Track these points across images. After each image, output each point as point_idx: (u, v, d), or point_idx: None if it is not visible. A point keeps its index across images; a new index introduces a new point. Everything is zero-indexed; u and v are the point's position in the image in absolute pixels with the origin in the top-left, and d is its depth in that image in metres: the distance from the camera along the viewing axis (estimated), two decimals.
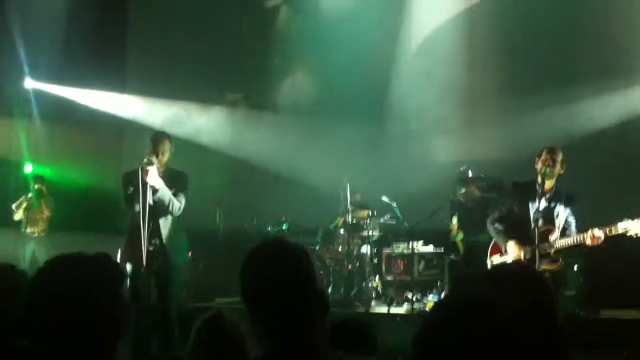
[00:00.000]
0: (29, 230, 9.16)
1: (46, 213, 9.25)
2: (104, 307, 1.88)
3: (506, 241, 5.85)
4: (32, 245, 9.14)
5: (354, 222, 8.48)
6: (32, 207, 9.18)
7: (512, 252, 5.79)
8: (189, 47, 11.05)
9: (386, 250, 8.55)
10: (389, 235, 8.62)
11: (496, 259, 6.03)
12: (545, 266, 5.59)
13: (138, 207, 5.41)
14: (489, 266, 5.94)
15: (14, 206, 9.13)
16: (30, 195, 9.15)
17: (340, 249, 8.44)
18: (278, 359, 1.85)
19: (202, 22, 11.09)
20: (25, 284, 2.57)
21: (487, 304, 1.46)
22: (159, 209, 5.57)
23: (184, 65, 10.90)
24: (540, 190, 5.72)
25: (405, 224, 8.29)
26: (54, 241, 9.09)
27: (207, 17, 11.11)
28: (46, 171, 10.00)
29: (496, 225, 5.98)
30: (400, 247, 8.41)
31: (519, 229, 5.83)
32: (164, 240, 5.61)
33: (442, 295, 7.91)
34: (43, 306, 1.86)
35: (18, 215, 9.14)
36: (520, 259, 5.67)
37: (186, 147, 6.27)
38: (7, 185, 10.22)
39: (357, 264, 8.37)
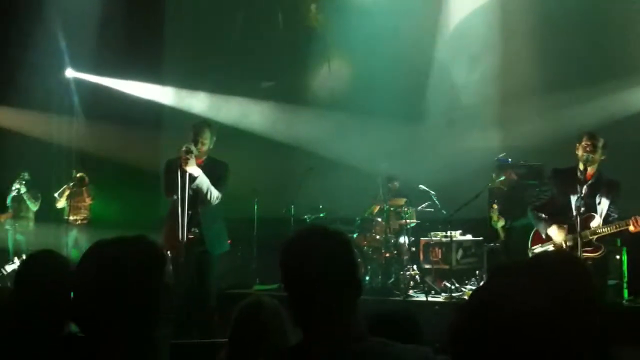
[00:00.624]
0: (71, 218, 9.31)
1: (88, 201, 9.40)
2: (146, 289, 1.90)
3: (547, 228, 5.80)
4: (74, 233, 9.30)
5: (391, 210, 8.45)
6: (74, 195, 9.32)
7: (555, 238, 5.73)
8: (225, 37, 11.11)
9: (424, 239, 8.49)
10: (427, 224, 8.54)
11: (538, 249, 5.97)
12: (587, 254, 5.52)
13: (177, 195, 5.46)
14: (529, 255, 5.89)
15: (56, 194, 9.29)
16: (72, 183, 9.29)
17: (377, 237, 8.42)
18: (317, 345, 1.86)
19: (239, 12, 11.14)
20: (66, 268, 2.62)
21: (514, 295, 1.44)
22: (198, 197, 5.63)
23: (219, 56, 10.96)
24: (581, 177, 5.64)
25: (443, 211, 8.23)
26: (96, 228, 9.24)
27: (243, 7, 11.16)
28: (87, 160, 10.17)
29: (537, 212, 5.92)
30: (438, 235, 8.34)
31: (560, 216, 5.77)
32: (203, 228, 5.66)
33: (481, 284, 7.84)
34: (89, 290, 1.89)
35: (61, 204, 9.31)
36: (561, 247, 5.61)
37: (222, 135, 6.30)
38: (50, 174, 10.43)
39: (395, 252, 8.34)
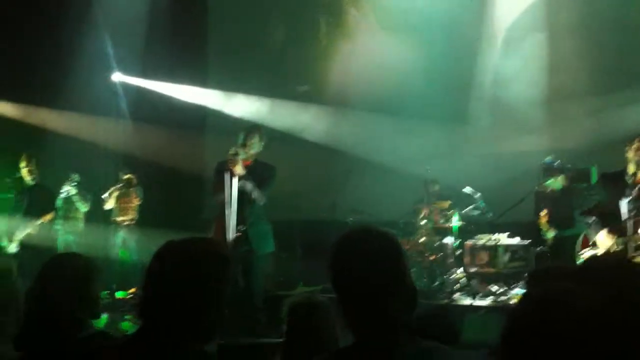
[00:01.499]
0: (119, 218, 9.45)
1: (135, 202, 9.51)
2: (214, 290, 1.94)
3: (596, 233, 5.70)
4: (122, 234, 9.43)
5: (436, 212, 8.39)
6: (122, 196, 9.47)
7: (603, 244, 5.63)
8: (267, 41, 11.19)
9: (469, 242, 8.41)
10: (472, 227, 8.45)
11: (586, 253, 5.88)
12: (638, 258, 5.41)
13: (223, 196, 5.59)
14: (578, 260, 5.80)
15: (104, 196, 9.43)
16: (120, 185, 9.44)
17: (421, 240, 8.36)
18: (371, 347, 1.85)
19: (280, 16, 11.22)
20: (89, 269, 2.69)
21: (566, 300, 1.43)
22: (244, 198, 5.72)
23: (262, 59, 11.04)
24: (631, 180, 5.54)
25: (489, 214, 8.14)
26: (143, 230, 9.38)
27: (285, 11, 11.23)
28: (134, 162, 10.32)
29: (586, 217, 5.83)
30: (484, 239, 8.24)
31: (609, 220, 5.67)
32: (248, 228, 5.74)
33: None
34: (158, 289, 1.93)
35: (109, 205, 9.45)
36: (610, 251, 5.51)
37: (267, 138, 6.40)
38: (98, 176, 10.61)
39: (439, 255, 8.27)
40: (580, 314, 1.39)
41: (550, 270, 2.86)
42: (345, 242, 1.97)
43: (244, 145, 5.78)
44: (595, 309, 1.41)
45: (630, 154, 5.61)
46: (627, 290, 2.09)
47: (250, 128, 6.10)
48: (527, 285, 2.72)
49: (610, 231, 5.65)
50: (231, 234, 5.52)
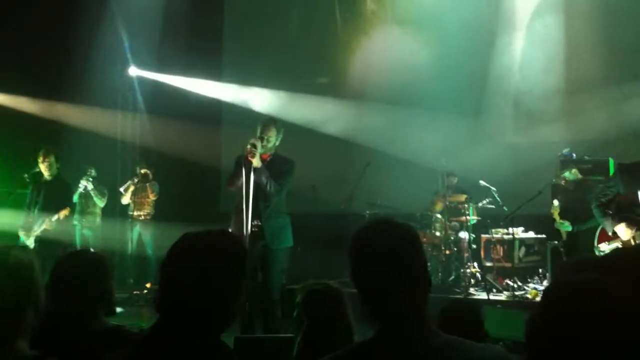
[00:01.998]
0: (135, 213, 9.50)
1: (152, 197, 9.54)
2: (230, 282, 1.95)
3: (614, 225, 5.65)
4: (138, 228, 9.48)
5: (452, 206, 8.36)
6: (138, 191, 9.51)
7: (622, 235, 5.58)
8: (282, 34, 11.18)
9: (485, 236, 8.37)
10: (488, 220, 8.41)
11: (604, 246, 5.83)
12: None
13: (241, 186, 5.58)
14: (596, 253, 5.74)
15: (121, 189, 9.47)
16: (136, 179, 9.48)
17: (437, 234, 8.34)
18: (391, 340, 1.83)
19: (295, 9, 11.20)
20: (102, 265, 2.72)
21: (599, 291, 1.42)
22: (261, 191, 5.70)
23: (277, 52, 11.03)
24: None
25: (505, 208, 8.09)
26: (158, 224, 9.42)
27: (299, 3, 11.21)
28: (150, 156, 10.36)
29: (603, 209, 5.78)
30: (500, 233, 8.20)
31: (627, 212, 5.62)
32: (264, 222, 5.72)
33: (545, 282, 7.69)
34: (175, 282, 1.94)
35: (125, 199, 9.49)
36: (630, 243, 5.46)
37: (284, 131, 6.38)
38: (115, 171, 10.67)
39: (455, 249, 8.25)
40: (611, 306, 1.38)
41: (579, 263, 2.85)
42: (365, 232, 1.96)
43: (262, 138, 5.75)
44: (625, 300, 1.40)
45: None
46: None
47: (266, 120, 6.04)
48: (554, 279, 2.69)
49: (629, 224, 5.59)
50: (248, 228, 5.50)
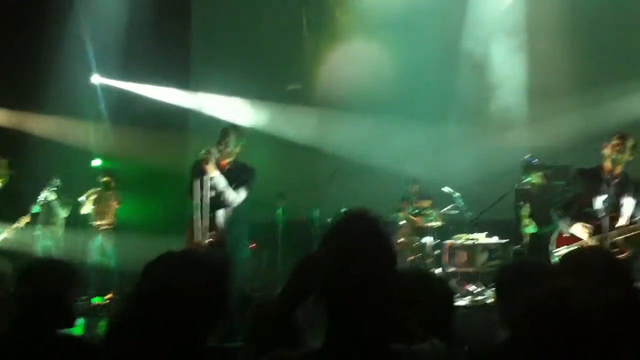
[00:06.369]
0: (97, 223, 9.35)
1: (115, 205, 9.39)
2: (211, 301, 1.91)
3: (571, 225, 5.66)
4: (99, 238, 9.33)
5: (416, 212, 8.37)
6: (100, 200, 9.37)
7: (581, 236, 5.58)
8: (250, 41, 11.14)
9: (449, 241, 8.39)
10: (452, 226, 8.44)
11: (563, 250, 5.83)
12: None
13: (197, 197, 5.48)
14: (553, 259, 5.74)
15: (81, 198, 9.33)
16: (98, 188, 9.34)
17: (400, 240, 8.34)
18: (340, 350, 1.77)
19: (264, 17, 11.18)
20: (66, 274, 2.65)
21: (576, 297, 1.45)
22: (218, 200, 5.61)
23: (245, 60, 10.98)
24: (607, 177, 5.52)
25: (469, 214, 8.12)
26: (122, 234, 9.28)
27: (268, 12, 11.19)
28: (114, 165, 10.24)
29: (560, 212, 5.80)
30: (463, 238, 8.22)
31: (584, 217, 5.64)
32: (221, 233, 5.63)
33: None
34: (153, 299, 1.87)
35: (86, 209, 9.35)
36: (589, 243, 5.47)
37: (248, 139, 6.31)
38: (76, 179, 10.51)
39: (419, 255, 8.26)
40: (591, 311, 1.41)
41: (522, 267, 2.83)
42: (340, 227, 1.89)
43: (218, 144, 5.67)
44: (597, 304, 1.43)
45: (607, 151, 5.59)
46: (610, 280, 2.11)
47: (225, 127, 5.97)
48: (497, 282, 2.68)
49: (585, 226, 5.61)
50: (201, 237, 5.40)
